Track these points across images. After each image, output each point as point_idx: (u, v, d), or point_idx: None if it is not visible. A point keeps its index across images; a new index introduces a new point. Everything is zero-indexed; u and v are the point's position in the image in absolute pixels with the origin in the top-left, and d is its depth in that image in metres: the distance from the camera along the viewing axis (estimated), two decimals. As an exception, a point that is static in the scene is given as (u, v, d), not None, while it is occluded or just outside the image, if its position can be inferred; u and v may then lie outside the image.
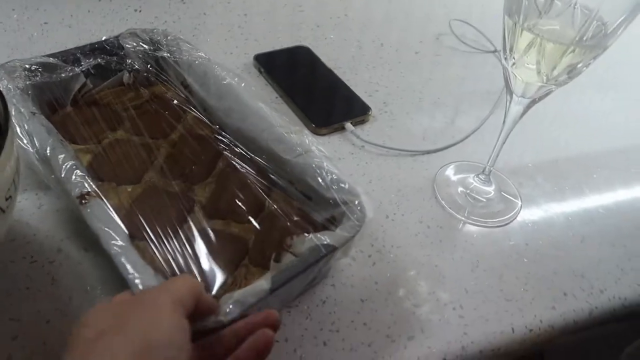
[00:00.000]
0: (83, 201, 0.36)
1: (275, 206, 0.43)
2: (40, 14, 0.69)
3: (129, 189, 0.43)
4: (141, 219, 0.39)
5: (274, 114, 0.45)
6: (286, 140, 0.43)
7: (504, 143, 0.48)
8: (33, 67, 0.45)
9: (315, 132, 0.56)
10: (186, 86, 0.51)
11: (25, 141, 0.39)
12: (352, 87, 0.63)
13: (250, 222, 0.41)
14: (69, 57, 0.48)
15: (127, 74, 0.50)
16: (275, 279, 0.33)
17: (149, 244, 0.38)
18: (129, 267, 0.32)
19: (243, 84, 0.48)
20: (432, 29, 0.80)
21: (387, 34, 0.77)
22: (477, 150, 0.57)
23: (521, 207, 0.51)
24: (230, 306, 0.31)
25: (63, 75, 0.46)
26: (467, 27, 0.79)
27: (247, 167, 0.45)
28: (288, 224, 0.41)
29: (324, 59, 0.67)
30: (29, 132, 0.40)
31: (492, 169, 0.51)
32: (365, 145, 0.56)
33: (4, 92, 0.42)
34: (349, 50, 0.72)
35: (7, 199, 0.31)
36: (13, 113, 0.41)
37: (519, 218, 0.51)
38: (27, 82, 0.44)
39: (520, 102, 0.43)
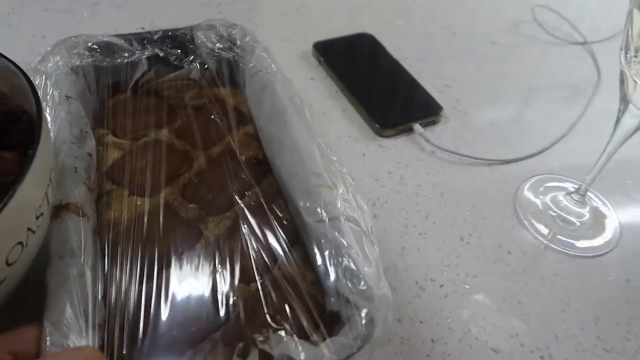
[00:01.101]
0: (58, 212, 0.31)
1: (284, 271, 0.34)
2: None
3: (139, 202, 0.38)
4: (131, 245, 0.34)
5: (316, 155, 0.37)
6: (314, 195, 0.35)
7: (608, 160, 0.40)
8: (94, 46, 0.40)
9: (379, 133, 0.50)
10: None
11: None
12: (420, 82, 0.56)
13: (241, 288, 0.33)
14: (136, 40, 0.43)
15: (196, 69, 0.45)
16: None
17: (124, 278, 0.33)
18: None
19: (297, 112, 0.40)
20: (511, 15, 0.71)
21: (458, 20, 0.69)
22: (566, 161, 0.50)
23: (620, 234, 0.44)
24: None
25: (121, 60, 0.42)
26: (551, 14, 0.70)
27: (275, 211, 0.38)
28: (275, 306, 0.32)
29: (389, 48, 0.61)
30: (53, 118, 0.36)
31: (589, 187, 0.43)
32: (436, 151, 0.49)
33: (51, 70, 0.39)
34: (417, 39, 0.65)
35: (37, 217, 0.27)
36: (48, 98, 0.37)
37: (618, 248, 0.43)
38: (85, 61, 0.40)
39: (638, 115, 0.36)
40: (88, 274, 0.30)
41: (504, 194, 0.46)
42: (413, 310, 0.37)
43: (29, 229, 0.26)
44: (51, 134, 0.36)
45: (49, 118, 0.37)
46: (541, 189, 0.47)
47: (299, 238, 0.37)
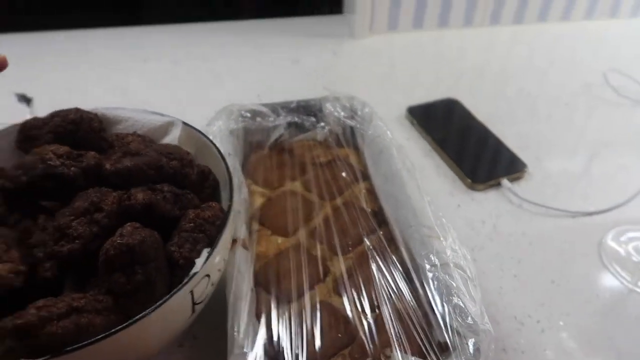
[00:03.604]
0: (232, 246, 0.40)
1: (399, 305, 0.41)
2: (206, 64, 0.79)
3: (279, 241, 0.47)
4: (276, 273, 0.43)
5: (428, 211, 0.45)
6: (427, 244, 0.42)
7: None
8: (246, 113, 0.51)
9: (471, 187, 0.57)
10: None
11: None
12: (504, 141, 0.63)
13: (366, 314, 0.41)
14: (275, 109, 0.54)
15: (322, 132, 0.55)
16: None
17: (272, 298, 0.41)
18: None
19: (410, 174, 0.49)
20: (582, 78, 0.78)
21: (532, 83, 0.77)
22: (645, 214, 0.55)
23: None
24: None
25: (266, 124, 0.52)
26: (622, 77, 0.76)
27: (391, 255, 0.45)
28: (396, 331, 0.39)
29: (473, 111, 0.69)
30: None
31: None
32: (523, 204, 0.56)
33: (216, 132, 0.50)
34: (496, 102, 0.73)
35: (219, 270, 0.35)
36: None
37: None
38: (239, 125, 0.51)
39: None
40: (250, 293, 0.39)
41: (589, 243, 0.52)
42: (515, 341, 0.43)
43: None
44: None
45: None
46: (623, 238, 0.52)
47: (410, 278, 0.44)
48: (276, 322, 0.40)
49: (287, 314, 0.41)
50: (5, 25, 0.86)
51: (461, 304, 0.37)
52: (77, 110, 0.42)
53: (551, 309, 0.46)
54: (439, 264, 0.41)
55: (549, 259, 0.50)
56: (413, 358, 0.36)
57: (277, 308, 0.41)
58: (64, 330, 0.27)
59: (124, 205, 0.33)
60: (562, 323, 0.45)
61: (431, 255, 0.41)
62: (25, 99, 0.57)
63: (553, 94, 0.74)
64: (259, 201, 0.50)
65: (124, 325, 0.28)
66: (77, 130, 0.41)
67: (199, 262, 0.32)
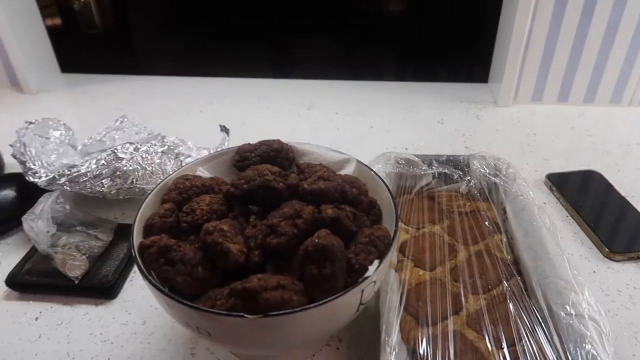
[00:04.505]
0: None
1: (534, 346, 0.44)
2: (364, 118, 0.90)
3: (421, 273, 0.53)
4: (416, 299, 0.49)
5: (566, 266, 0.49)
6: (563, 295, 0.46)
7: None
8: (400, 160, 0.60)
9: (608, 257, 0.59)
10: (504, 212, 0.60)
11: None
12: (647, 217, 0.64)
13: (502, 347, 0.45)
14: (427, 159, 0.63)
15: (465, 185, 0.62)
16: None
17: (415, 320, 0.47)
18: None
19: (550, 232, 0.54)
20: None
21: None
22: None
23: None
24: None
25: (418, 171, 0.60)
26: None
27: (528, 300, 0.49)
28: None
29: (616, 185, 0.70)
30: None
31: None
32: (664, 280, 0.56)
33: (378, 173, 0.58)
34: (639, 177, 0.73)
35: (377, 282, 0.43)
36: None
37: None
38: (394, 170, 0.60)
39: None
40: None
41: None
42: (645, 406, 0.44)
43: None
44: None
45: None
46: None
47: (546, 323, 0.48)
48: (417, 338, 0.46)
49: (426, 334, 0.47)
50: (207, 71, 1.08)
51: (594, 352, 0.41)
52: (279, 141, 0.53)
53: (688, 385, 0.46)
54: (574, 314, 0.44)
55: (688, 338, 0.50)
56: None
57: (419, 328, 0.47)
58: (274, 299, 0.36)
59: (317, 216, 0.43)
60: (699, 400, 0.45)
61: (567, 306, 0.45)
62: (225, 129, 0.71)
63: None
64: (403, 237, 0.58)
65: (315, 304, 0.37)
66: (277, 156, 0.52)
67: (371, 269, 0.40)
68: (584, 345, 0.42)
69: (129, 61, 1.14)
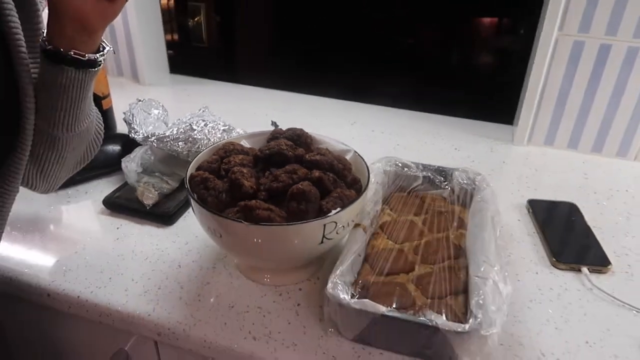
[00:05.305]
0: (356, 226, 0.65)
1: (448, 302, 0.60)
2: (395, 137, 1.08)
3: (390, 243, 0.70)
4: (378, 258, 0.66)
5: (492, 248, 0.63)
6: (480, 266, 0.60)
7: None
8: (398, 162, 0.78)
9: (554, 265, 0.72)
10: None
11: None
12: (603, 245, 0.75)
13: (424, 300, 0.60)
14: (419, 166, 0.80)
15: (447, 191, 0.78)
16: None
17: (372, 269, 0.63)
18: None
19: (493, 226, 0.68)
20: None
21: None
22: None
23: None
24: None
25: (410, 172, 0.78)
26: None
27: (457, 273, 0.64)
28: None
29: (587, 217, 0.82)
30: (373, 192, 0.73)
31: None
32: (594, 289, 0.68)
33: (376, 169, 0.76)
34: (614, 218, 0.83)
35: (343, 227, 0.61)
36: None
37: None
38: (391, 169, 0.78)
39: None
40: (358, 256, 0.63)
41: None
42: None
43: (352, 220, 0.61)
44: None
45: (371, 192, 0.73)
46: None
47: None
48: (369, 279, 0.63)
49: (376, 280, 0.63)
50: (285, 86, 1.32)
51: (480, 302, 0.56)
52: (301, 129, 0.74)
53: None
54: (480, 276, 0.59)
55: (620, 352, 0.62)
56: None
57: (373, 274, 0.64)
58: (263, 215, 0.56)
59: (307, 176, 0.62)
60: (577, 367, 0.57)
61: (479, 273, 0.60)
62: (275, 125, 0.93)
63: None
64: (386, 218, 0.75)
65: (289, 223, 0.56)
66: (298, 139, 0.72)
67: (333, 212, 0.58)
68: (479, 293, 0.56)
69: (225, 71, 1.42)
